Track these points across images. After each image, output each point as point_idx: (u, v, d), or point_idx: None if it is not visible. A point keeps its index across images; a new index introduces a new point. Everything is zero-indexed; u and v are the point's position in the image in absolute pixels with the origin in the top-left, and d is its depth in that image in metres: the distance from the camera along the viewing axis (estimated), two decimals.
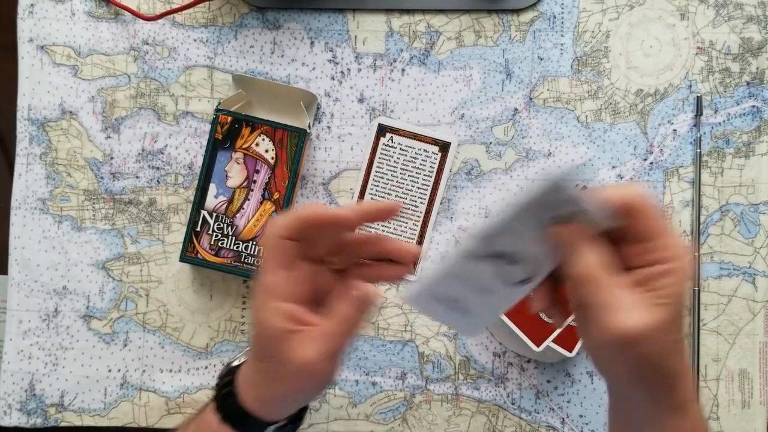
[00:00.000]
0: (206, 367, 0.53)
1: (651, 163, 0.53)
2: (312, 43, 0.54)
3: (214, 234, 0.50)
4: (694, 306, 0.52)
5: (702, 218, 0.53)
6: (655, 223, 0.33)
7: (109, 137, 0.54)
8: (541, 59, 0.54)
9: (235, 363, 0.41)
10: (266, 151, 0.49)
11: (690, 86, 0.53)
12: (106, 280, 0.54)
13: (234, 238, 0.50)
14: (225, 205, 0.50)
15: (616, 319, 0.32)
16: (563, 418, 0.52)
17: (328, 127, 0.54)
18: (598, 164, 0.53)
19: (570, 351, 0.48)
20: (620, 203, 0.33)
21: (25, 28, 0.55)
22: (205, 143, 0.54)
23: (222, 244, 0.50)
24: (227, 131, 0.50)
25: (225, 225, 0.50)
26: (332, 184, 0.54)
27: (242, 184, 0.50)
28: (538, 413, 0.52)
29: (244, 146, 0.49)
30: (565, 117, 0.53)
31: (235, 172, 0.50)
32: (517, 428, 0.52)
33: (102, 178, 0.54)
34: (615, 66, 0.53)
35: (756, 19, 0.53)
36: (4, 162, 0.56)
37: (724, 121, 0.53)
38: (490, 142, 0.54)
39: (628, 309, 0.32)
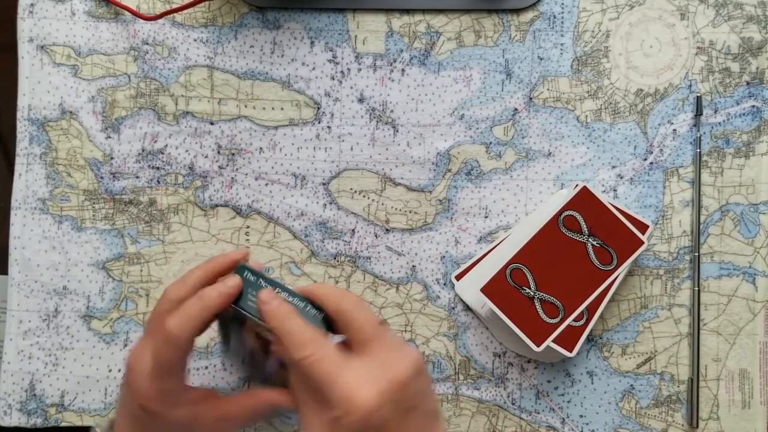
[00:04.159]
0: (206, 368, 0.53)
1: (651, 163, 0.53)
2: (312, 43, 0.54)
3: None
4: (694, 306, 0.52)
5: (702, 218, 0.53)
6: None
7: (109, 137, 0.54)
8: (541, 59, 0.54)
9: None
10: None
11: (690, 86, 0.53)
12: (106, 280, 0.54)
13: None
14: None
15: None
16: (563, 418, 0.52)
17: (328, 127, 0.54)
18: (598, 164, 0.53)
19: (570, 351, 0.48)
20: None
21: (25, 28, 0.55)
22: (204, 143, 0.54)
23: None
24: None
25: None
26: (332, 184, 0.54)
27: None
28: (539, 413, 0.52)
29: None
30: (565, 117, 0.53)
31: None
32: (517, 428, 0.52)
33: (102, 178, 0.54)
34: (615, 66, 0.53)
35: (756, 19, 0.53)
36: (4, 162, 0.56)
37: (724, 121, 0.53)
38: (490, 142, 0.54)
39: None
